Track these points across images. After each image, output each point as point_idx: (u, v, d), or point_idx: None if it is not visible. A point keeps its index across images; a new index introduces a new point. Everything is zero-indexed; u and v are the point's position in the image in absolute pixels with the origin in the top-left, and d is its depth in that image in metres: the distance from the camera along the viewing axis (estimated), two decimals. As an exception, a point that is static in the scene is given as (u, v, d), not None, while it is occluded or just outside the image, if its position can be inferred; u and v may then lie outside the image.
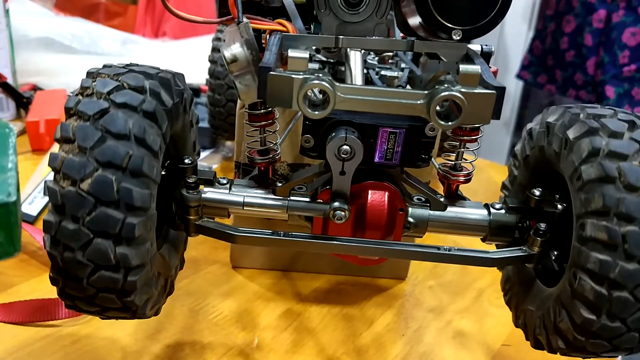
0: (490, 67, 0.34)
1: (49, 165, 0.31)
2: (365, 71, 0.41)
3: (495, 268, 0.43)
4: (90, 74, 0.34)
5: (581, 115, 0.35)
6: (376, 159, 0.37)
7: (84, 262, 0.31)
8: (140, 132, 0.31)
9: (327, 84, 0.30)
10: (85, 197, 0.30)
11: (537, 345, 0.38)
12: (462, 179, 0.39)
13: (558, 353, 0.36)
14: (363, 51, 0.40)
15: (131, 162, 0.31)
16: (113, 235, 0.31)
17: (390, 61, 0.50)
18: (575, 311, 0.33)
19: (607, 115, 0.34)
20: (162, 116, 0.33)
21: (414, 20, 0.33)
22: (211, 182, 0.38)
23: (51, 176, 0.32)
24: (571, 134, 0.34)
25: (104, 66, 0.35)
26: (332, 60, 0.47)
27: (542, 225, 0.37)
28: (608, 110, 0.35)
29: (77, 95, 0.33)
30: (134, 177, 0.31)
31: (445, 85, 0.31)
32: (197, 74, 0.85)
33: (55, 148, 0.32)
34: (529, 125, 0.40)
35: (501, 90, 0.31)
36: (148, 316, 0.36)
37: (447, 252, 0.38)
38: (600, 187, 0.31)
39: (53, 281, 0.33)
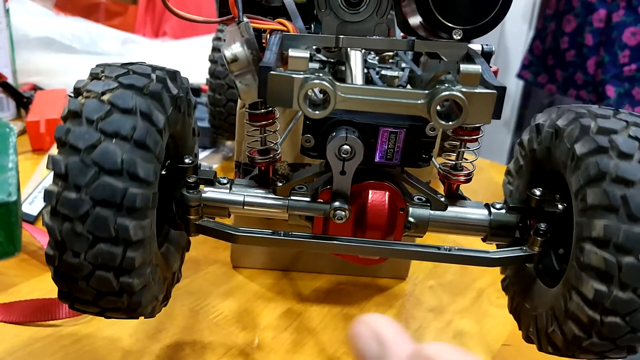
0: (490, 67, 0.34)
1: (54, 136, 0.32)
2: (365, 71, 0.41)
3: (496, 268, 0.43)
4: (95, 74, 0.35)
5: (592, 128, 0.33)
6: (377, 159, 0.37)
7: (83, 234, 0.31)
8: (146, 108, 0.32)
9: (327, 84, 0.30)
10: (89, 165, 0.30)
11: (528, 339, 0.38)
12: (462, 178, 0.38)
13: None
14: (363, 51, 0.40)
15: (136, 134, 0.31)
16: (114, 204, 0.31)
17: (390, 61, 0.50)
18: (567, 327, 0.33)
19: (619, 130, 0.33)
20: (166, 100, 0.34)
21: (415, 20, 0.33)
22: (211, 181, 0.38)
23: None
24: (579, 149, 0.33)
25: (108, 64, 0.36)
26: (332, 60, 0.46)
27: (543, 225, 0.37)
28: (620, 123, 0.33)
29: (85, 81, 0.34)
30: (138, 148, 0.31)
31: (446, 84, 0.31)
32: (197, 73, 0.85)
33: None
34: (538, 119, 0.39)
35: (502, 90, 0.31)
36: (145, 311, 0.35)
37: (447, 252, 0.38)
38: (602, 215, 0.31)
39: (49, 258, 0.32)
